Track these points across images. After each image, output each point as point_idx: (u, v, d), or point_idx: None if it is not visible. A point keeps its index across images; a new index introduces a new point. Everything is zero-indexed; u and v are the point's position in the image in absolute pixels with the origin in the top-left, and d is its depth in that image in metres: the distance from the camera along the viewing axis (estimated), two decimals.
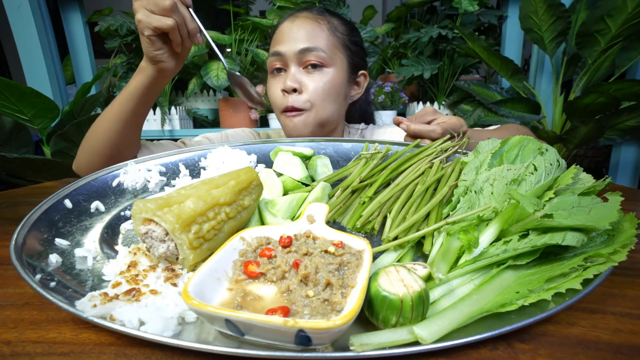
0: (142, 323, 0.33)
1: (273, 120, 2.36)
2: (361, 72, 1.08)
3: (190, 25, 0.75)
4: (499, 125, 1.06)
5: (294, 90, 0.94)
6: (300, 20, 0.96)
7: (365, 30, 2.51)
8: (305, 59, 0.94)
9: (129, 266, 0.41)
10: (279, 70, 0.98)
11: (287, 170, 0.66)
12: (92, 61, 2.60)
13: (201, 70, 2.21)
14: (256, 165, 0.71)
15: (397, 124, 0.80)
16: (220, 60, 0.79)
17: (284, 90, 0.95)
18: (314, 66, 0.95)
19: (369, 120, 1.22)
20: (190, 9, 0.76)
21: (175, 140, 1.03)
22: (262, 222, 0.53)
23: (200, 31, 0.79)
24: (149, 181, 0.65)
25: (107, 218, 0.56)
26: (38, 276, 0.39)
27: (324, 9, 1.03)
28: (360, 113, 1.20)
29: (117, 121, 0.83)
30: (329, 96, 0.96)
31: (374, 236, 0.53)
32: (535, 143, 0.57)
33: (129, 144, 0.87)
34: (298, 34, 0.94)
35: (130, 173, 0.65)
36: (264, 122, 2.53)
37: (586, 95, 1.81)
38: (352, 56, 1.02)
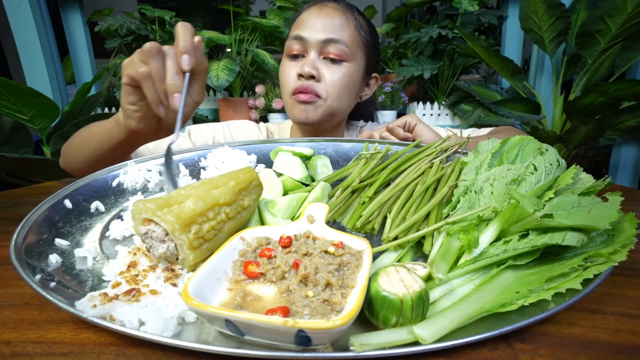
0: (142, 323, 0.33)
1: (273, 120, 2.35)
2: (374, 74, 1.09)
3: (170, 81, 0.59)
4: (492, 128, 1.06)
5: (312, 77, 0.94)
6: (328, 10, 0.96)
7: None
8: (327, 49, 0.94)
9: (128, 266, 0.41)
10: (296, 56, 0.97)
11: (287, 170, 0.66)
12: (92, 61, 2.60)
13: None
14: (256, 165, 0.71)
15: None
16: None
17: (300, 75, 0.94)
18: (333, 61, 0.95)
19: (370, 118, 1.24)
20: (187, 75, 0.61)
21: None
22: (262, 222, 0.53)
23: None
24: (149, 181, 0.65)
25: (107, 218, 0.56)
26: (38, 276, 0.39)
27: (351, 4, 1.03)
28: (363, 111, 1.20)
29: (93, 151, 0.78)
30: (344, 90, 0.97)
31: (374, 236, 0.53)
32: (535, 143, 0.57)
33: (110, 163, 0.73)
34: (325, 23, 0.94)
35: (130, 173, 0.65)
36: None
37: (586, 95, 1.81)
38: (370, 57, 1.03)
